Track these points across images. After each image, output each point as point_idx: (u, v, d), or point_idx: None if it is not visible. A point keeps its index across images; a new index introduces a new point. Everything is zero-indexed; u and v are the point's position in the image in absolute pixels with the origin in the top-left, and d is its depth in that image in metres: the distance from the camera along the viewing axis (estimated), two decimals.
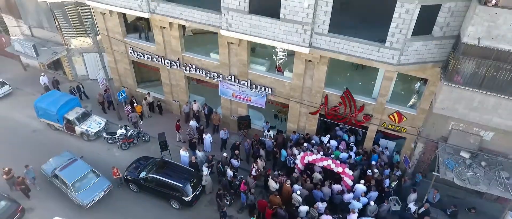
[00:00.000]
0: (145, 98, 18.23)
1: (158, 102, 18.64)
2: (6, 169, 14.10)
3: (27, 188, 14.11)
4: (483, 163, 12.50)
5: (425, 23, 10.94)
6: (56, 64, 21.44)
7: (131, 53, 17.36)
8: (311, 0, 11.12)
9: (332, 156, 14.30)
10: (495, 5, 9.40)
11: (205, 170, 14.23)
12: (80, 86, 19.86)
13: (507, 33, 9.61)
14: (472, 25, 9.85)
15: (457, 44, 10.75)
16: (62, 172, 14.18)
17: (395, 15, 10.55)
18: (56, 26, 18.81)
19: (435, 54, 11.49)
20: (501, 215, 12.62)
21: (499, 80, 10.41)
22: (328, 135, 15.36)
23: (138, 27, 17.25)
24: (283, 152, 15.01)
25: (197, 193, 14.07)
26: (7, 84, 20.29)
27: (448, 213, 13.40)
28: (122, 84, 19.18)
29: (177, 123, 16.93)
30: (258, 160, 14.50)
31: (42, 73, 20.13)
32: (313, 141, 15.30)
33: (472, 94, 10.95)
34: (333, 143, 15.02)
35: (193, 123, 16.74)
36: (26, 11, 19.40)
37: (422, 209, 12.74)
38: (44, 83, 19.85)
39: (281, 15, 11.96)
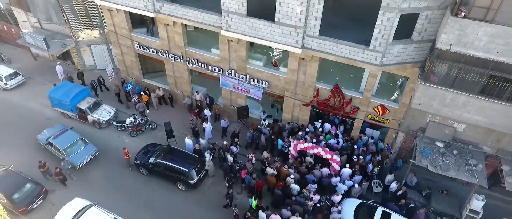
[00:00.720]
0: (154, 92, 19.49)
1: (170, 95, 19.80)
2: (42, 162, 15.55)
3: (64, 178, 15.62)
4: (455, 152, 14.09)
5: (405, 29, 12.13)
6: (65, 55, 22.57)
7: (137, 47, 18.53)
8: (303, 7, 12.25)
9: (324, 141, 15.93)
10: (465, 16, 10.58)
11: (207, 156, 15.86)
12: (101, 78, 20.63)
13: (474, 41, 10.86)
14: (445, 33, 11.08)
15: (433, 47, 12.01)
16: (55, 140, 16.55)
17: (378, 22, 11.74)
18: (65, 20, 19.81)
19: (414, 56, 12.77)
20: (468, 197, 14.34)
21: (468, 82, 11.78)
22: (320, 120, 16.89)
23: (143, 20, 18.28)
24: (280, 141, 16.57)
25: (201, 176, 15.74)
26: (20, 74, 21.54)
27: (424, 194, 15.16)
28: (129, 75, 20.46)
29: (195, 111, 18.39)
30: (265, 152, 15.90)
31: (58, 63, 21.23)
32: (307, 130, 16.84)
33: (445, 92, 12.35)
34: (327, 125, 16.61)
35: (207, 112, 18.10)
36: (35, 4, 20.33)
37: (400, 192, 14.48)
38: (67, 74, 20.86)
39: (276, 19, 13.12)
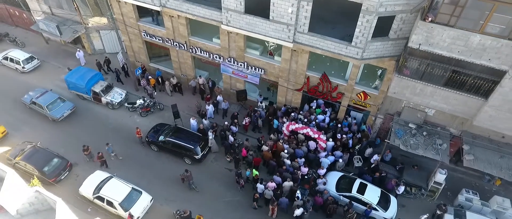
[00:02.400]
0: (169, 80, 21.10)
1: (179, 84, 21.35)
2: (86, 146, 17.49)
3: (105, 161, 17.51)
4: (424, 133, 16.28)
5: (383, 28, 13.82)
6: (76, 39, 24.08)
7: (144, 35, 20.11)
8: (294, 8, 13.85)
9: (314, 121, 18.09)
10: (432, 21, 12.26)
11: (210, 135, 18.09)
12: (125, 65, 21.62)
13: (440, 42, 12.64)
14: (415, 34, 12.83)
15: (406, 45, 13.78)
16: (38, 99, 19.83)
17: (359, 23, 13.42)
18: (75, 8, 21.19)
19: (391, 51, 14.56)
20: (434, 171, 16.74)
21: (434, 75, 13.71)
22: (315, 101, 18.99)
23: (149, 11, 19.66)
24: (275, 121, 18.72)
25: (205, 152, 18.07)
26: (35, 58, 23.25)
27: (397, 168, 17.56)
28: (136, 59, 22.19)
29: (208, 96, 20.32)
30: (272, 135, 17.95)
31: (78, 49, 22.73)
32: (301, 112, 18.92)
33: (415, 84, 14.32)
34: (320, 101, 18.67)
35: (220, 98, 19.94)
36: None
37: (373, 165, 16.89)
38: (96, 60, 22.31)
39: (271, 17, 14.74)
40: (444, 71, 13.42)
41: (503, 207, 15.72)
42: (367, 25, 13.33)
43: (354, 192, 15.75)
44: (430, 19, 12.24)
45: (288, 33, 14.92)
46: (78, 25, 22.42)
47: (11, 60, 22.89)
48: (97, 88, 20.60)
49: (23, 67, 22.72)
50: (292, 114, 18.57)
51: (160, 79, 21.36)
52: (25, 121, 20.08)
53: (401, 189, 16.04)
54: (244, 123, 19.01)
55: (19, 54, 22.94)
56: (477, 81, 13.19)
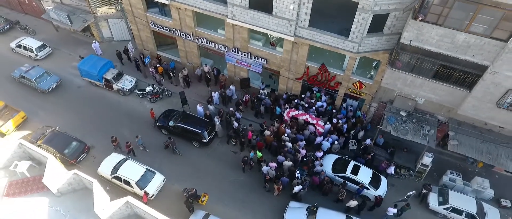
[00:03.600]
0: (181, 71, 21.98)
1: (187, 78, 22.16)
2: (114, 137, 18.55)
3: (133, 150, 18.69)
4: (414, 120, 17.70)
5: (378, 24, 14.87)
6: (85, 28, 24.92)
7: (151, 25, 21.07)
8: (295, 4, 14.85)
9: (314, 107, 19.45)
10: (422, 20, 13.33)
11: (217, 121, 19.50)
12: (141, 55, 22.43)
13: (429, 39, 13.76)
14: (407, 31, 13.92)
15: (399, 40, 14.89)
16: (26, 73, 21.94)
17: (355, 20, 14.47)
18: None
19: (385, 45, 15.68)
20: (421, 154, 18.28)
21: (424, 68, 14.92)
22: (317, 88, 20.24)
23: (156, 2, 20.51)
24: (278, 108, 20.06)
25: (211, 136, 19.56)
26: (47, 46, 24.26)
27: (389, 151, 19.12)
28: (144, 47, 23.23)
29: (221, 83, 21.48)
30: (275, 122, 19.27)
31: (94, 41, 23.63)
32: (303, 95, 20.18)
33: (406, 76, 15.55)
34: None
35: (232, 87, 21.08)
36: None
37: (362, 146, 18.47)
38: (116, 50, 23.20)
39: (273, 12, 15.74)
40: (433, 65, 14.63)
41: (483, 187, 17.41)
42: (363, 22, 14.39)
43: (348, 173, 17.34)
44: (420, 18, 13.30)
45: (290, 28, 15.98)
46: (88, 15, 23.27)
47: (24, 48, 23.92)
48: (109, 75, 21.80)
49: (36, 55, 23.79)
50: (295, 101, 19.91)
51: (171, 73, 22.08)
52: (42, 107, 21.43)
53: (391, 169, 17.64)
54: (244, 99, 20.60)
55: (31, 42, 23.94)
56: (462, 75, 14.44)
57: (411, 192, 16.35)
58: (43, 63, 24.02)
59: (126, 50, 23.01)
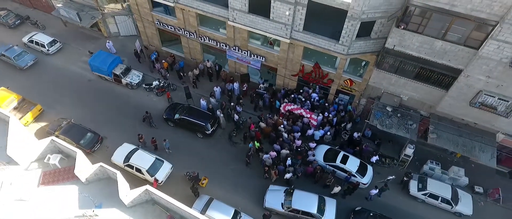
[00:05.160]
0: (192, 71, 23.36)
1: (194, 80, 23.52)
2: (140, 135, 20.01)
3: (157, 144, 20.13)
4: (398, 114, 19.43)
5: (366, 29, 16.32)
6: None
7: (157, 23, 22.41)
8: (290, 11, 16.25)
9: (308, 101, 21.13)
10: (404, 28, 14.82)
11: (219, 113, 21.20)
12: (156, 52, 23.76)
13: (410, 45, 15.29)
14: (391, 38, 15.44)
15: (385, 44, 16.39)
16: (6, 52, 24.25)
17: (345, 26, 15.93)
18: None
19: (372, 48, 17.19)
20: (404, 145, 20.12)
21: (406, 70, 16.51)
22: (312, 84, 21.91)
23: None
24: (277, 102, 21.71)
25: (214, 128, 21.32)
26: (58, 41, 25.62)
27: (376, 143, 20.95)
28: (150, 43, 24.62)
29: (231, 78, 22.92)
30: (275, 116, 21.00)
31: (108, 41, 24.87)
32: (301, 90, 21.81)
33: (391, 76, 17.17)
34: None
35: (236, 84, 22.49)
36: None
37: (348, 136, 20.33)
38: (138, 48, 24.14)
39: (271, 17, 17.15)
40: (414, 68, 16.22)
41: (458, 175, 19.36)
42: (351, 28, 15.86)
43: (338, 162, 19.21)
44: (402, 26, 14.79)
45: (286, 31, 17.44)
46: (95, 12, 24.51)
47: (36, 43, 25.30)
48: (118, 71, 23.32)
49: (48, 50, 25.20)
50: (292, 95, 21.54)
51: (182, 72, 23.29)
52: (57, 100, 23.05)
53: (374, 158, 19.52)
54: (244, 89, 22.26)
55: (43, 38, 25.29)
56: (439, 77, 16.06)
57: (390, 177, 18.39)
58: (55, 57, 25.48)
59: (141, 50, 24.25)
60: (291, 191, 17.90)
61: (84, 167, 12.47)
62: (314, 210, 17.11)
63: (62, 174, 12.77)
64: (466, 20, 13.45)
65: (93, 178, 12.78)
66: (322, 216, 17.15)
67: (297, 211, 17.31)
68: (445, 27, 14.08)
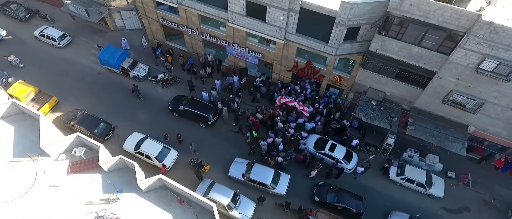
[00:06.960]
0: (205, 70, 24.92)
1: (202, 78, 25.14)
2: (166, 135, 21.82)
3: (181, 140, 21.78)
4: (382, 108, 21.49)
5: (352, 33, 18.03)
6: None
7: (161, 20, 23.95)
8: (284, 16, 17.91)
9: (303, 93, 23.13)
10: (385, 35, 16.57)
11: (220, 106, 23.22)
12: (170, 50, 25.00)
13: (391, 49, 17.11)
14: (373, 42, 17.22)
15: (369, 47, 18.18)
16: None
17: (333, 31, 17.66)
18: None
19: (358, 49, 18.98)
20: (387, 135, 22.31)
21: (388, 70, 18.41)
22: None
23: None
24: (276, 94, 23.67)
25: (216, 118, 23.40)
26: (67, 35, 27.17)
27: (361, 132, 23.16)
28: (154, 38, 26.23)
29: (233, 69, 24.78)
30: (271, 108, 23.05)
31: (123, 38, 26.27)
32: (298, 83, 23.72)
33: (374, 75, 19.09)
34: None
35: (236, 78, 24.37)
36: None
37: (337, 126, 22.53)
38: (145, 43, 25.68)
39: (267, 20, 18.81)
40: (394, 68, 18.10)
41: (433, 162, 21.68)
42: (339, 33, 17.60)
43: (326, 150, 21.45)
44: (384, 33, 16.54)
45: (280, 33, 19.15)
46: (102, 7, 25.92)
47: (47, 37, 26.86)
48: (125, 64, 25.10)
49: (58, 44, 26.81)
50: (289, 87, 23.47)
51: (192, 69, 24.82)
52: (71, 92, 24.95)
53: (355, 142, 21.72)
54: (242, 82, 24.23)
55: (53, 32, 26.82)
56: (416, 77, 17.99)
57: (372, 156, 20.89)
58: (65, 51, 27.13)
59: (159, 44, 25.66)
60: (252, 164, 20.45)
61: (106, 158, 14.67)
62: (268, 182, 19.75)
63: (87, 164, 14.98)
64: (439, 30, 15.21)
65: (113, 168, 15.01)
66: (275, 187, 19.78)
67: (254, 181, 19.93)
68: (421, 35, 15.85)
